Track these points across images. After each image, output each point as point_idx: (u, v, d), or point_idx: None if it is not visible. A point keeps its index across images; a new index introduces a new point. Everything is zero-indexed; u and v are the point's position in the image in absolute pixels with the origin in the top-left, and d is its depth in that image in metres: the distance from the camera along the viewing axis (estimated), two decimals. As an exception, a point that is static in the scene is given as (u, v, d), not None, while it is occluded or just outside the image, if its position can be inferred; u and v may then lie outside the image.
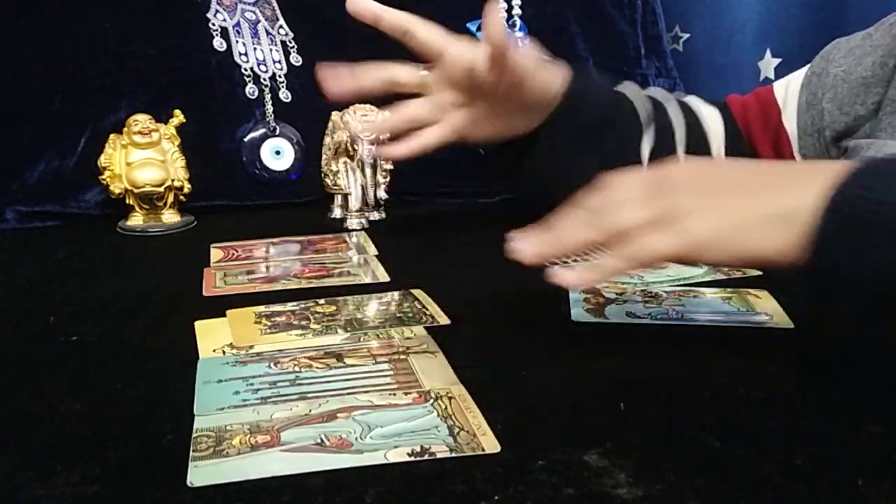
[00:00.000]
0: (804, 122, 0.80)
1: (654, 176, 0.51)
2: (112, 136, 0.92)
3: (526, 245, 0.51)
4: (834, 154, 0.77)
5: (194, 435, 0.43)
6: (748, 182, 0.49)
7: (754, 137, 0.85)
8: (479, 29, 1.06)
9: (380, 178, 0.91)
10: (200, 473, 0.40)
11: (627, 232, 0.48)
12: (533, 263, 0.51)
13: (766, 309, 0.62)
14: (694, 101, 0.88)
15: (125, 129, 0.91)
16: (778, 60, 1.16)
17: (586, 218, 0.51)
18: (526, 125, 0.74)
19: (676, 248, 0.47)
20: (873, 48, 0.75)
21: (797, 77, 0.82)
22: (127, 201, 0.91)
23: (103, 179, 0.91)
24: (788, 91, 0.82)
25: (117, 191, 0.90)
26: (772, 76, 1.16)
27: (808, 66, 0.81)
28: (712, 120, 0.87)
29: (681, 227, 0.47)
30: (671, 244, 0.47)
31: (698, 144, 0.84)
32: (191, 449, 0.42)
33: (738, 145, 0.86)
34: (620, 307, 0.62)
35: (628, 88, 0.83)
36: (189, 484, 0.39)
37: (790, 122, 0.81)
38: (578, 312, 0.59)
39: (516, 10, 1.08)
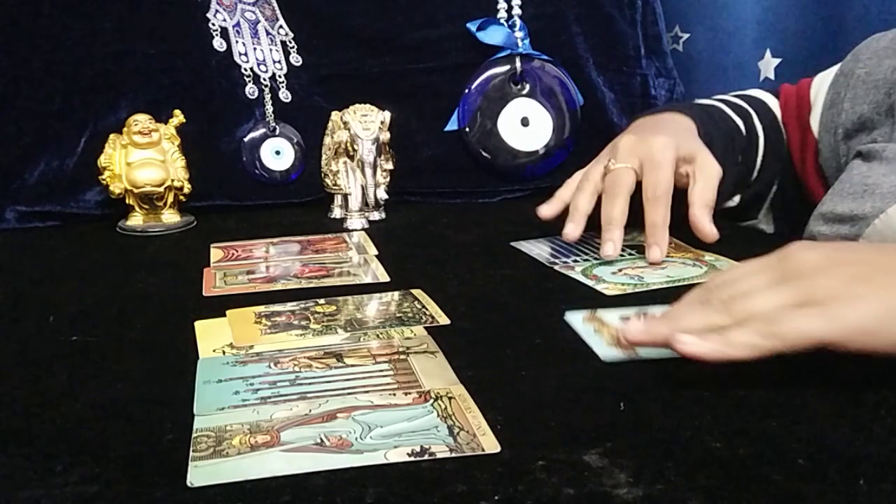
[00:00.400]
0: (826, 120, 0.79)
1: (778, 260, 0.48)
2: (112, 136, 0.92)
3: (640, 329, 0.49)
4: (843, 152, 0.77)
5: (194, 435, 0.43)
6: (884, 265, 0.46)
7: (789, 134, 0.85)
8: (479, 29, 1.06)
9: (380, 178, 0.91)
10: (200, 473, 0.40)
11: (768, 314, 0.45)
12: (639, 342, 0.49)
13: None
14: (767, 98, 0.88)
15: (125, 129, 0.91)
16: (778, 60, 1.15)
17: (711, 305, 0.48)
18: None
19: (829, 333, 0.44)
20: (894, 52, 0.75)
21: (830, 74, 0.82)
22: (127, 201, 0.91)
23: (103, 179, 0.91)
24: (821, 88, 0.82)
25: (117, 191, 0.90)
26: (772, 76, 1.16)
27: (842, 62, 0.81)
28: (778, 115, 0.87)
29: (833, 311, 0.44)
30: (823, 327, 0.44)
31: (777, 147, 0.85)
32: (191, 449, 0.42)
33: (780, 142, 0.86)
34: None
35: (725, 102, 0.87)
36: (189, 484, 0.39)
37: (815, 120, 0.81)
38: (607, 353, 0.53)
39: (516, 10, 1.08)
